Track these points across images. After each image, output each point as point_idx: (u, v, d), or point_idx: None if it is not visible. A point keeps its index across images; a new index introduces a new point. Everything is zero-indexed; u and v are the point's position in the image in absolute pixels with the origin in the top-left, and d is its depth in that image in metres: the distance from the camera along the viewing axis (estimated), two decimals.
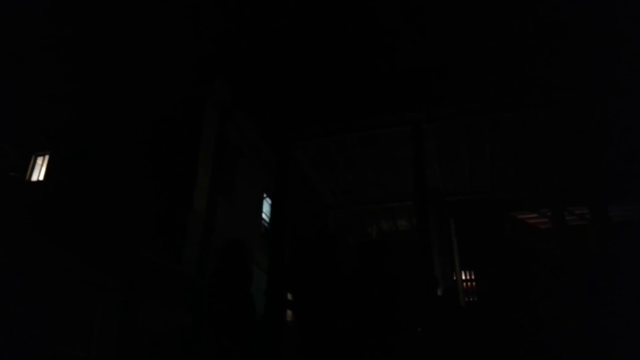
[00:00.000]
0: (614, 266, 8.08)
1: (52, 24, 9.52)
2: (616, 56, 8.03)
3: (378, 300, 4.14)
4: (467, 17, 8.50)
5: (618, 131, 9.51)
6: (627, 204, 12.01)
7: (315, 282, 4.11)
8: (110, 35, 9.61)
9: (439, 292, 8.38)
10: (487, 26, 8.56)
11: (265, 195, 12.46)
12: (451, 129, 9.77)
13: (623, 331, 5.58)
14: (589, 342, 5.75)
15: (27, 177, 9.66)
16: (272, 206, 11.88)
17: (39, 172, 9.76)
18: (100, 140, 9.05)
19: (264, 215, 12.31)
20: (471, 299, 12.32)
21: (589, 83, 8.35)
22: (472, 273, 12.76)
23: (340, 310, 4.00)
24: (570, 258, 10.72)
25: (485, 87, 8.79)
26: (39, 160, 9.85)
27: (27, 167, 9.75)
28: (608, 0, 7.67)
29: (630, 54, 7.88)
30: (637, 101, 8.58)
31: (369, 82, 9.41)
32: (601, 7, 7.72)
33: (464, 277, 12.60)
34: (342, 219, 13.51)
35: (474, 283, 12.67)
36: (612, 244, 10.62)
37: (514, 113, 9.10)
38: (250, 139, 10.86)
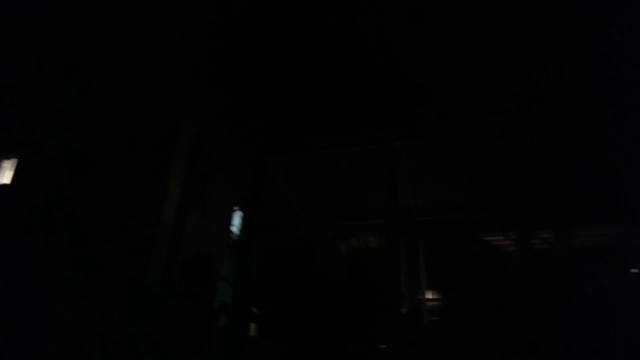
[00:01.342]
0: (576, 290, 8.33)
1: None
2: (581, 77, 8.30)
3: (346, 314, 4.19)
4: (442, 39, 8.68)
5: (585, 156, 9.82)
6: (591, 229, 12.36)
7: (283, 295, 4.13)
8: (85, 37, 9.48)
9: (405, 311, 8.47)
10: (461, 48, 8.76)
11: (237, 208, 12.40)
12: (424, 149, 9.97)
13: (586, 352, 5.77)
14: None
15: None
16: (244, 218, 11.84)
17: (5, 176, 9.53)
18: (69, 145, 8.90)
19: (234, 229, 12.24)
20: (435, 319, 12.45)
21: (559, 108, 8.62)
22: (438, 293, 12.91)
23: (309, 323, 4.03)
24: (534, 281, 10.95)
25: (459, 109, 9.01)
26: (6, 163, 9.62)
27: None
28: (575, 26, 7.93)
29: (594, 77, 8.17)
30: (605, 127, 8.88)
31: (345, 99, 9.53)
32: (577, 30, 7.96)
33: (429, 297, 12.73)
34: (313, 234, 13.55)
35: (439, 302, 12.81)
36: (575, 268, 10.90)
37: (486, 134, 9.35)
38: (225, 150, 10.83)
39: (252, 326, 8.03)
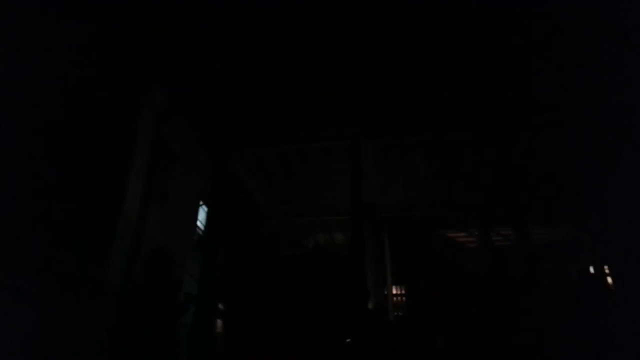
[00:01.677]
0: (534, 285, 8.58)
1: None
2: (549, 80, 8.53)
3: (312, 310, 4.16)
4: (409, 37, 8.78)
5: (541, 155, 10.12)
6: (549, 226, 12.81)
7: (248, 291, 4.07)
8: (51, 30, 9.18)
9: (370, 306, 8.53)
10: (428, 47, 8.89)
11: (201, 203, 12.22)
12: (388, 146, 10.05)
13: (542, 346, 5.92)
14: (506, 348, 6.05)
15: None
16: (207, 213, 11.68)
17: None
18: (27, 137, 8.56)
19: (199, 223, 12.06)
20: (400, 314, 12.61)
21: (522, 109, 8.84)
22: (403, 288, 13.09)
23: (274, 319, 3.98)
24: (493, 276, 11.24)
25: (423, 108, 9.13)
26: None
27: None
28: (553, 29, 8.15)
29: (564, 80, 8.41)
30: (564, 127, 9.14)
31: (310, 95, 9.51)
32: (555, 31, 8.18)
33: (395, 292, 12.89)
34: (279, 230, 13.50)
35: (404, 298, 12.99)
36: (533, 263, 11.24)
37: (448, 135, 9.50)
38: (187, 144, 10.64)
39: (217, 322, 7.93)
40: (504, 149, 9.87)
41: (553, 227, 12.94)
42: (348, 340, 5.44)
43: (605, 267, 10.10)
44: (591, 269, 11.44)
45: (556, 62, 8.42)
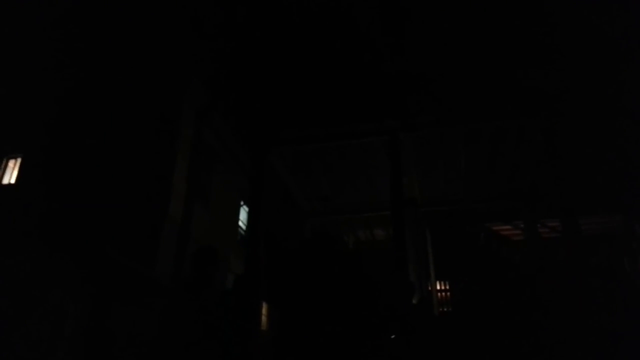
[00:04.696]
0: (583, 277, 8.28)
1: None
2: (593, 69, 8.23)
3: (356, 306, 4.15)
4: (446, 29, 8.61)
5: (591, 145, 9.75)
6: (598, 217, 12.31)
7: (300, 284, 4.07)
8: (86, 35, 9.48)
9: (414, 301, 8.42)
10: (465, 38, 8.69)
11: (242, 203, 12.38)
12: (428, 139, 9.91)
13: (590, 338, 5.72)
14: (559, 348, 5.86)
15: None
16: (249, 212, 11.82)
17: (10, 175, 9.51)
18: (74, 142, 8.88)
19: (240, 223, 12.22)
20: (445, 309, 12.42)
21: (566, 95, 8.56)
22: (447, 283, 12.88)
23: (326, 316, 3.98)
24: (541, 269, 10.91)
25: (462, 97, 8.94)
26: (11, 163, 9.60)
27: None
28: (584, 12, 7.85)
29: (611, 69, 8.09)
30: (611, 116, 8.81)
31: (348, 89, 9.46)
32: (581, 19, 7.90)
33: (438, 287, 12.71)
34: (319, 228, 13.52)
35: (448, 293, 12.79)
36: (582, 256, 10.85)
37: (489, 124, 9.28)
38: (227, 142, 10.77)
39: (262, 320, 8.02)
40: (549, 136, 9.54)
41: (603, 217, 12.42)
42: (392, 336, 5.40)
43: None
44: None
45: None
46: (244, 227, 12.31)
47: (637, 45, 7.79)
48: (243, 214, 12.47)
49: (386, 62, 9.00)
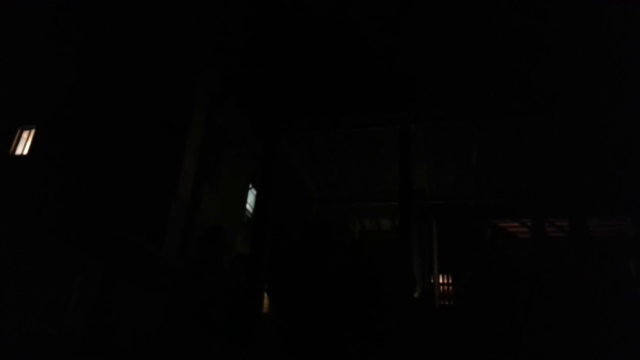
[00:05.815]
0: (588, 279, 8.23)
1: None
2: (608, 68, 8.13)
3: (361, 297, 4.15)
4: (459, 22, 8.55)
5: (602, 146, 9.66)
6: (606, 219, 12.20)
7: (304, 271, 4.04)
8: (106, 20, 9.56)
9: (416, 294, 8.45)
10: (478, 31, 8.62)
11: (250, 186, 12.44)
12: (439, 131, 9.84)
13: (593, 341, 5.70)
14: (559, 350, 5.86)
15: (10, 150, 9.52)
16: (257, 195, 11.88)
17: (23, 146, 9.62)
18: (88, 119, 8.97)
19: (247, 206, 12.30)
20: (447, 303, 12.45)
21: (579, 94, 8.46)
22: (450, 277, 12.89)
23: (330, 308, 3.98)
24: (546, 269, 10.86)
25: (475, 91, 8.87)
26: (25, 134, 9.70)
27: (12, 140, 9.60)
28: (597, 9, 7.76)
29: (623, 67, 7.99)
30: (624, 118, 8.71)
31: (361, 79, 9.42)
32: (593, 15, 7.81)
33: (441, 281, 12.72)
34: (325, 214, 13.55)
35: (450, 287, 12.80)
36: (588, 257, 10.79)
37: (501, 119, 9.20)
38: (239, 127, 10.83)
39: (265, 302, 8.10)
40: (562, 134, 9.45)
41: (611, 219, 12.31)
42: (393, 328, 5.43)
43: None
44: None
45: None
46: (251, 210, 12.38)
47: None
48: (251, 197, 12.54)
49: (399, 53, 8.96)
